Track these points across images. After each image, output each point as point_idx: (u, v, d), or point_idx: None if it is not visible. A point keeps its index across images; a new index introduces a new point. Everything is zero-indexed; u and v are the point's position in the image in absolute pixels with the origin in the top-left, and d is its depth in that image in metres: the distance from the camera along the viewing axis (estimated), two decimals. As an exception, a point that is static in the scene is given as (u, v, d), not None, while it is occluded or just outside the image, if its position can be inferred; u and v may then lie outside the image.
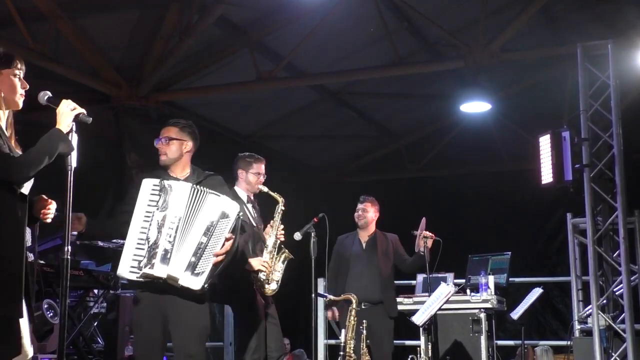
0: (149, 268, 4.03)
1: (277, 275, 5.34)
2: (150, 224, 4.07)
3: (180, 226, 4.05)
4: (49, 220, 3.33)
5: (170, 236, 4.03)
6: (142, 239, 4.07)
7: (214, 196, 4.13)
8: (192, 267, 4.05)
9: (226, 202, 4.14)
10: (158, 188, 4.11)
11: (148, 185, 4.14)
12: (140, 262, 4.06)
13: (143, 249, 4.06)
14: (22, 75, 3.24)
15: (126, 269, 4.10)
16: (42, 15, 7.02)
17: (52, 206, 3.32)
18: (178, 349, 4.22)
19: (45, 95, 3.35)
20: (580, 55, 6.83)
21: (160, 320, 4.20)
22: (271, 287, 5.34)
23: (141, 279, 4.09)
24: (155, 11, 7.58)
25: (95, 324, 6.84)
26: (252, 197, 5.50)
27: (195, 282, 4.05)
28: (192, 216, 4.08)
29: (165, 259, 4.02)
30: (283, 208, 5.41)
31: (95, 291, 6.66)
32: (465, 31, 8.71)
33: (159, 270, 4.03)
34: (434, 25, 8.49)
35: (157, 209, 4.07)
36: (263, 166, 5.49)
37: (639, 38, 7.42)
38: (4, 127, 3.21)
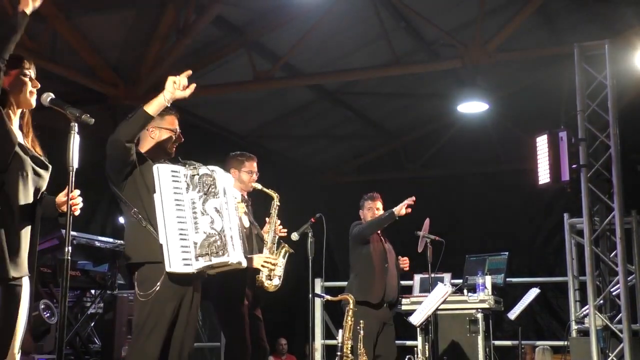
0: (226, 256, 3.95)
1: (279, 271, 5.29)
2: (198, 213, 3.95)
3: (229, 211, 4.07)
4: (77, 213, 3.29)
5: (230, 221, 4.04)
6: (183, 229, 3.92)
7: (225, 174, 4.22)
8: (243, 249, 4.18)
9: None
10: (190, 175, 4.00)
11: (167, 172, 3.97)
12: (196, 252, 3.90)
13: (187, 239, 3.90)
14: (32, 75, 3.25)
15: (179, 264, 3.89)
16: (39, 15, 6.96)
17: (77, 196, 3.27)
18: (176, 346, 4.02)
19: (48, 97, 3.31)
20: (577, 55, 6.83)
21: (170, 319, 4.00)
22: (274, 283, 5.28)
23: (195, 271, 3.93)
24: (153, 11, 7.56)
25: (92, 324, 6.82)
26: (245, 196, 5.47)
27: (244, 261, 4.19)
28: (229, 199, 4.13)
29: (233, 245, 4.01)
30: (278, 204, 5.39)
31: (92, 291, 6.64)
32: (462, 31, 8.72)
33: (235, 257, 4.00)
34: (431, 25, 8.50)
35: (206, 195, 3.99)
36: (255, 164, 5.45)
37: (636, 38, 7.43)
38: (15, 128, 3.19)
